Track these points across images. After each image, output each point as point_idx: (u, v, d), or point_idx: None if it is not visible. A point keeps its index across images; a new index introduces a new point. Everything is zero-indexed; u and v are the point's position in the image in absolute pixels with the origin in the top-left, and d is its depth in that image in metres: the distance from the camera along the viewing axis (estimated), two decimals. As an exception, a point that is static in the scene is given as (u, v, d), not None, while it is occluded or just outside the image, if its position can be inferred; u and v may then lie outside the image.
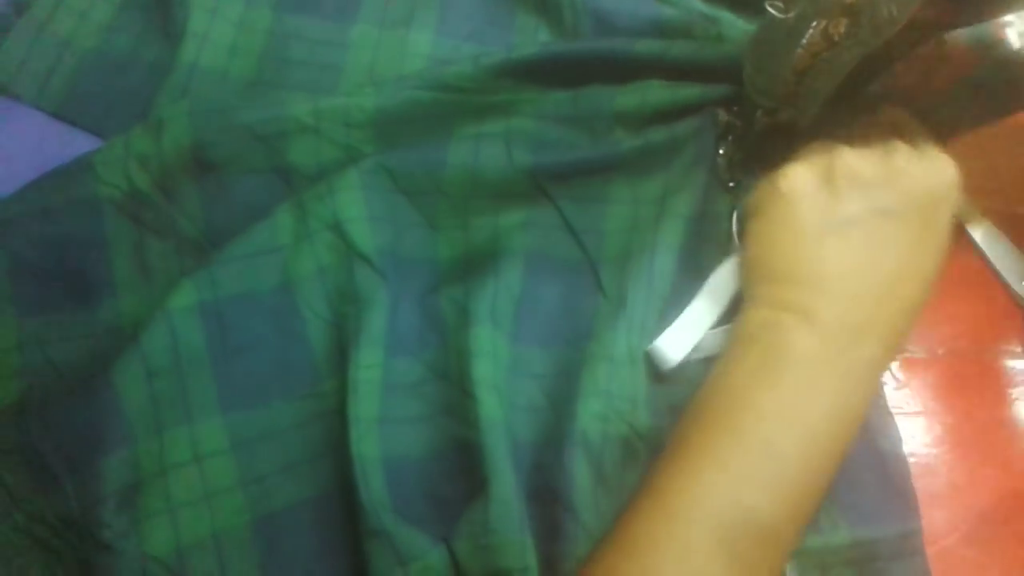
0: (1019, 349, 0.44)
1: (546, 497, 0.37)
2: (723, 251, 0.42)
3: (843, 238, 0.36)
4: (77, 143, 0.47)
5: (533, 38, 0.50)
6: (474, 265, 0.42)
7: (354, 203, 0.42)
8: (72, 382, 0.40)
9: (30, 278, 0.41)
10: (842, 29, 0.36)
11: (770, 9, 0.37)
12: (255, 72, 0.49)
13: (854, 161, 0.37)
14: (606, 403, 0.39)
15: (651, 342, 0.40)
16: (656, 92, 0.44)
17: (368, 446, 0.37)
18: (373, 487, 0.36)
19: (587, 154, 0.44)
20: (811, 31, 0.36)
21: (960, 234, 0.46)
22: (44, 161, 0.45)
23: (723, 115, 0.44)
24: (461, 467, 0.38)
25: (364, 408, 0.37)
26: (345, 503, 0.37)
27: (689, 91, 0.44)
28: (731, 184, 0.44)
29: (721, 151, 0.44)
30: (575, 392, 0.39)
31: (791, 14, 0.36)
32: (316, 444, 0.39)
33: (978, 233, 0.46)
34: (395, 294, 0.41)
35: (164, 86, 0.47)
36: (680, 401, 0.37)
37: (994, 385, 0.43)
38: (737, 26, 0.48)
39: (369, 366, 0.38)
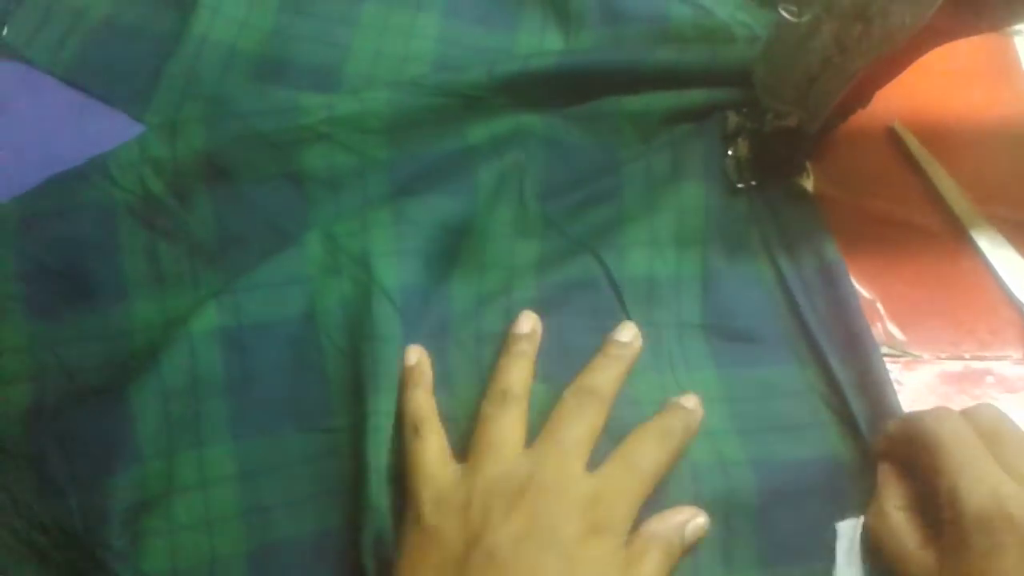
0: (1019, 355, 0.44)
1: None
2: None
3: None
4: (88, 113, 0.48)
5: (540, 25, 0.50)
6: (485, 303, 0.42)
7: (385, 239, 0.42)
8: (84, 387, 0.40)
9: (42, 280, 0.41)
10: (854, 35, 0.36)
11: (783, 13, 0.37)
12: (263, 47, 0.49)
13: None
14: None
15: None
16: (662, 97, 0.44)
17: (386, 498, 0.36)
18: (387, 541, 0.36)
19: (596, 187, 0.44)
20: (823, 36, 0.36)
21: (965, 239, 0.46)
22: (53, 132, 0.46)
23: (732, 116, 0.44)
24: None
25: (383, 458, 0.37)
26: (344, 542, 0.37)
27: (695, 95, 0.44)
28: (740, 185, 0.44)
29: (730, 152, 0.44)
30: None
31: (804, 18, 0.36)
32: (322, 481, 0.39)
33: (983, 239, 0.46)
34: (411, 333, 0.40)
35: (174, 57, 0.48)
36: None
37: (995, 390, 0.43)
38: (747, 24, 0.48)
39: (387, 412, 0.38)
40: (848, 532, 0.37)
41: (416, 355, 0.39)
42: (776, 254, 0.43)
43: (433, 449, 0.36)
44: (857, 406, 0.39)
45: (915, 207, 0.47)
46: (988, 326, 0.44)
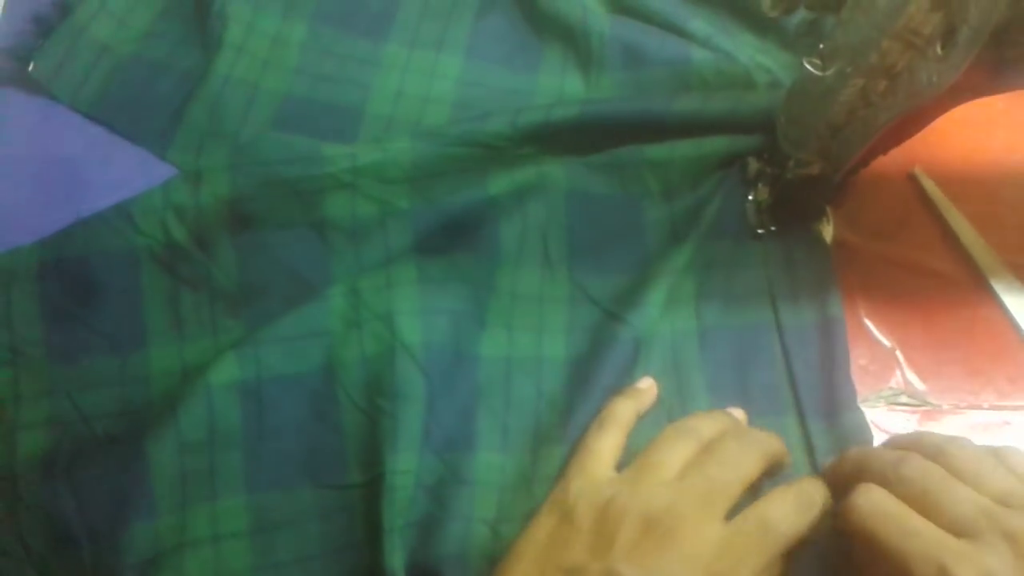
0: (1038, 404, 0.44)
1: None
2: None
3: None
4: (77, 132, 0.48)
5: (561, 67, 0.51)
6: (513, 371, 0.42)
7: (409, 297, 0.42)
8: (101, 436, 0.40)
9: (63, 324, 0.41)
10: (880, 90, 0.36)
11: (807, 66, 0.37)
12: (286, 86, 0.49)
13: None
14: None
15: None
16: (683, 146, 0.45)
17: (400, 559, 0.36)
18: None
19: (621, 248, 0.44)
20: (848, 90, 0.36)
21: (984, 286, 0.46)
22: (76, 168, 0.46)
23: (754, 162, 0.44)
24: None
25: (397, 519, 0.37)
26: None
27: (717, 142, 0.44)
28: (760, 231, 0.44)
29: (750, 197, 0.44)
30: None
31: (829, 71, 0.36)
32: (334, 538, 0.39)
33: (1001, 286, 0.45)
34: (434, 392, 0.40)
35: (197, 95, 0.48)
36: None
37: (1012, 441, 0.43)
38: (768, 68, 0.48)
39: (404, 472, 0.38)
40: None
41: (648, 383, 0.41)
42: (780, 303, 0.44)
43: (606, 447, 0.37)
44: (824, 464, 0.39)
45: (935, 254, 0.47)
46: (1007, 374, 0.44)
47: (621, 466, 0.37)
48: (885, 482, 0.34)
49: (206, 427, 0.39)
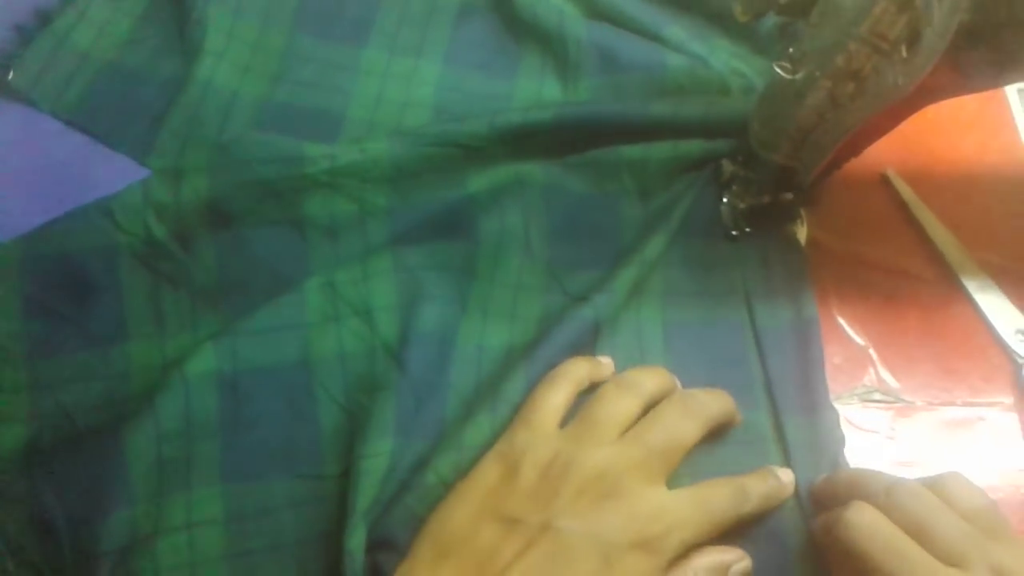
0: (1011, 401, 0.44)
1: None
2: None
3: None
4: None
5: (539, 72, 0.51)
6: (487, 357, 0.43)
7: (387, 292, 0.43)
8: (82, 429, 0.40)
9: (43, 319, 0.41)
10: (848, 92, 0.36)
11: (777, 70, 0.38)
12: (266, 92, 0.50)
13: None
14: None
15: None
16: (659, 147, 0.45)
17: (359, 540, 0.36)
18: None
19: (597, 246, 0.45)
20: (817, 93, 0.37)
21: (956, 286, 0.46)
22: (58, 175, 0.46)
23: (728, 165, 0.44)
24: None
25: (363, 501, 0.37)
26: None
27: (692, 145, 0.45)
28: (734, 233, 0.45)
29: (725, 200, 0.45)
30: None
31: (799, 75, 0.37)
32: (307, 527, 0.39)
33: (973, 285, 0.46)
34: (415, 382, 0.40)
35: (178, 101, 0.48)
36: None
37: (986, 437, 0.44)
38: (742, 72, 0.49)
39: (375, 455, 0.38)
40: None
41: (608, 360, 0.42)
42: (754, 302, 0.44)
43: (553, 403, 0.38)
44: (800, 460, 0.40)
45: (908, 254, 0.47)
46: (980, 372, 0.45)
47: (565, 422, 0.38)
48: (878, 503, 0.35)
49: (183, 417, 0.39)
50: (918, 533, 0.33)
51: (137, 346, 0.42)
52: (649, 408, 0.38)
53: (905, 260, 0.47)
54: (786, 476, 0.39)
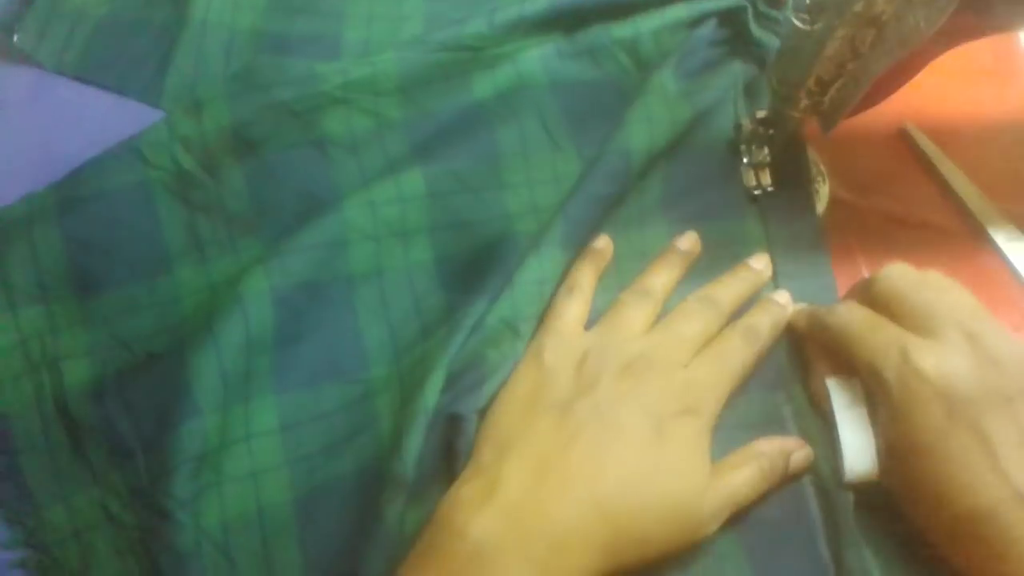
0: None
1: None
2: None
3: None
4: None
5: None
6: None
7: (422, 212, 0.44)
8: (141, 356, 0.41)
9: (88, 257, 0.43)
10: (868, 40, 0.36)
11: (795, 21, 0.37)
12: (261, 23, 0.51)
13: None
14: None
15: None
16: (647, 20, 0.49)
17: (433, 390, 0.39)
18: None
19: (609, 131, 0.46)
20: (836, 42, 0.37)
21: (982, 237, 0.46)
22: (78, 128, 0.47)
23: (747, 124, 0.44)
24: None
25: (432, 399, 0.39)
26: (379, 477, 0.39)
27: (677, 10, 0.48)
28: (756, 193, 0.44)
29: (745, 160, 0.44)
30: None
31: (816, 25, 0.37)
32: (359, 426, 0.40)
33: (1000, 235, 0.46)
34: (458, 300, 0.42)
35: (179, 44, 0.49)
36: None
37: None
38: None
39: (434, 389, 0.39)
40: (845, 388, 0.38)
41: (604, 242, 0.43)
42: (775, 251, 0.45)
43: (574, 311, 0.41)
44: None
45: (932, 207, 0.47)
46: (1009, 321, 0.44)
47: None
48: (860, 299, 0.39)
49: (242, 333, 0.40)
50: (895, 311, 0.37)
51: (182, 274, 0.43)
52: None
53: (929, 213, 0.47)
54: (783, 297, 0.42)
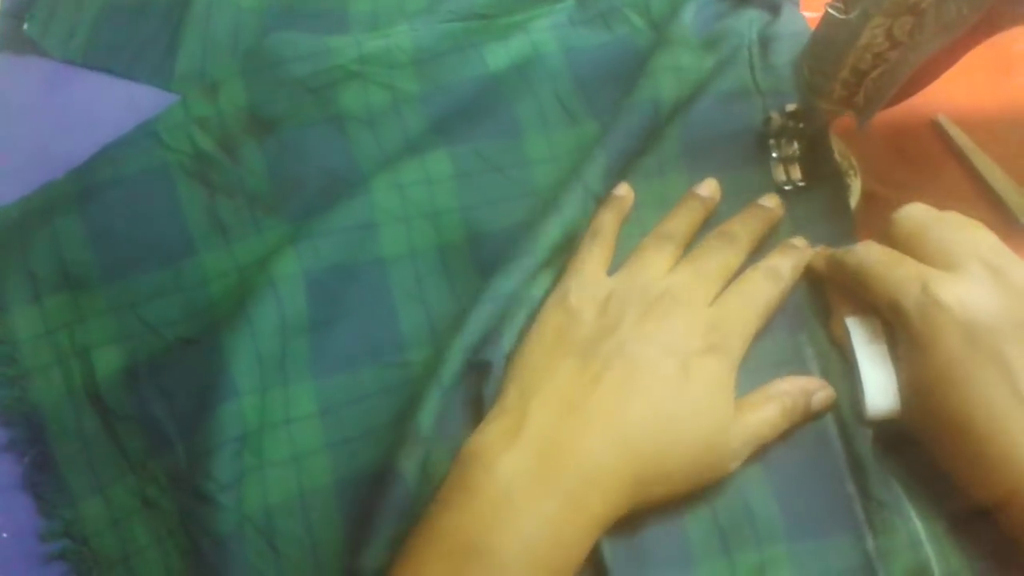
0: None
1: None
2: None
3: None
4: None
5: None
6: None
7: (452, 194, 0.43)
8: (172, 340, 0.41)
9: (110, 244, 0.42)
10: (906, 29, 0.35)
11: (830, 11, 0.36)
12: (267, 1, 0.51)
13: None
14: None
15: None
16: None
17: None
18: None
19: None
20: (873, 31, 0.35)
21: (1018, 229, 0.45)
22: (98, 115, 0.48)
23: (777, 118, 0.43)
24: None
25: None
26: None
27: None
28: (787, 187, 0.43)
29: (775, 154, 0.43)
30: None
31: (853, 14, 0.35)
32: (398, 409, 0.39)
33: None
34: (489, 277, 0.41)
35: (186, 25, 0.49)
36: None
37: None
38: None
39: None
40: (865, 326, 0.38)
41: (624, 190, 0.43)
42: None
43: (597, 255, 0.41)
44: None
45: (966, 201, 0.46)
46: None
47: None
48: (883, 241, 0.38)
49: (277, 316, 0.40)
50: (916, 248, 0.36)
51: (207, 256, 0.43)
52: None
53: (963, 207, 0.45)
54: (800, 242, 0.41)
